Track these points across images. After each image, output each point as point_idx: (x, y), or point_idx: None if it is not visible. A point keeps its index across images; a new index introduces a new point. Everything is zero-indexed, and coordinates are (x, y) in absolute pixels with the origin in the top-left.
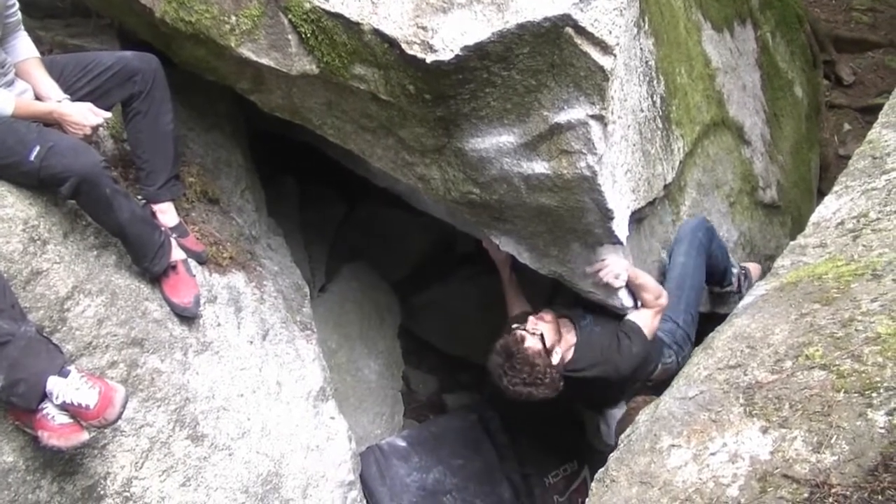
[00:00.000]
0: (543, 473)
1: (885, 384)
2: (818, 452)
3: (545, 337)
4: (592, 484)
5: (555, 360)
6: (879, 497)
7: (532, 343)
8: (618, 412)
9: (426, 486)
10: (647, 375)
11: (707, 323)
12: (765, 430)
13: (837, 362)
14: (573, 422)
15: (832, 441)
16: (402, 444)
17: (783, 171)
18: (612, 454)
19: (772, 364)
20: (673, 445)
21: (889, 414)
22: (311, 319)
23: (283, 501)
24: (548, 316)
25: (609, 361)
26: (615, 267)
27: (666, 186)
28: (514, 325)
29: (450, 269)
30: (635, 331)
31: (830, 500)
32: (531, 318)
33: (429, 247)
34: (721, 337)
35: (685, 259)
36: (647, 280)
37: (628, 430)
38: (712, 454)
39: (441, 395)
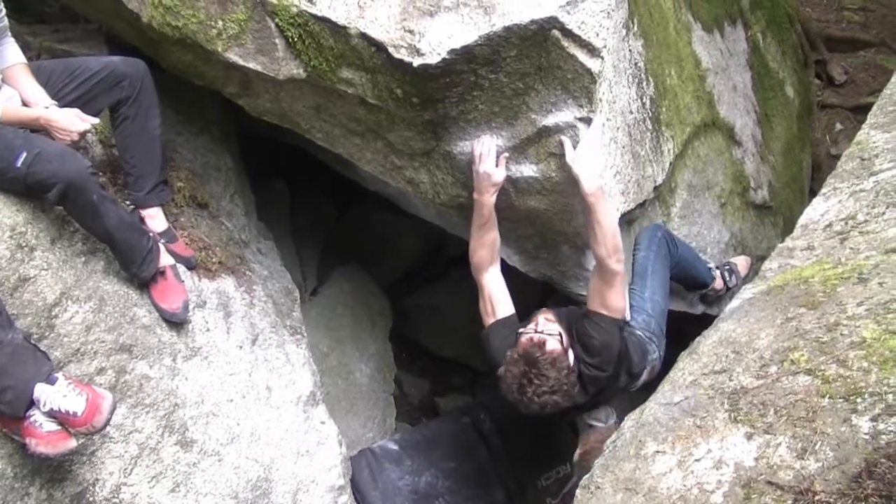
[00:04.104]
0: (536, 476)
1: (870, 389)
2: (802, 459)
3: (562, 337)
4: (577, 490)
5: (571, 361)
6: None
7: (554, 345)
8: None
9: (418, 489)
10: (634, 374)
11: (698, 325)
12: (749, 437)
13: (823, 367)
14: (565, 424)
15: (816, 447)
16: (394, 447)
17: (774, 171)
18: (596, 460)
19: (757, 369)
20: (658, 452)
21: (873, 420)
22: (301, 324)
23: None
24: (551, 314)
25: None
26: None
27: (656, 188)
28: (522, 330)
29: (441, 272)
30: (603, 319)
31: None
32: (540, 319)
33: (420, 249)
34: (707, 342)
35: (646, 253)
36: (611, 223)
37: (613, 437)
38: (697, 460)
39: (433, 397)
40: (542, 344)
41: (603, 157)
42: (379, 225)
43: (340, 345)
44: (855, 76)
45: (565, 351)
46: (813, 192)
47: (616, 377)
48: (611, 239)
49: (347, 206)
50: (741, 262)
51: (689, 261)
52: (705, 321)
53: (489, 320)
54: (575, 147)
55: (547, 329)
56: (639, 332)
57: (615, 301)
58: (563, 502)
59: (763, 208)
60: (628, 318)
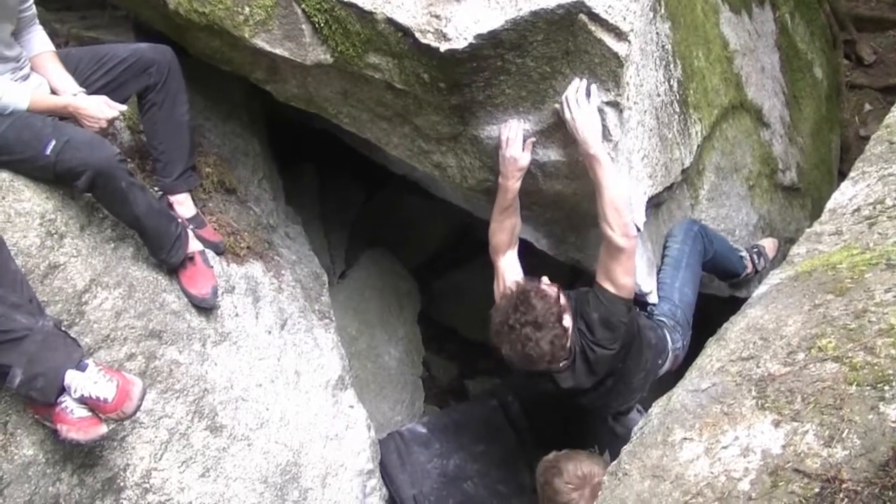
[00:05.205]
0: None
1: None
2: (830, 447)
3: (560, 294)
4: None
5: (565, 319)
6: (890, 493)
7: (550, 290)
8: (637, 418)
9: (447, 472)
10: (652, 366)
11: (726, 308)
12: (777, 424)
13: (850, 354)
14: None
15: (844, 435)
16: (423, 430)
17: (803, 153)
18: (624, 447)
19: (784, 356)
20: (685, 439)
21: None
22: (329, 308)
23: (302, 491)
24: (554, 284)
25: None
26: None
27: (684, 171)
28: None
29: (469, 254)
30: (605, 294)
31: (841, 495)
32: (543, 278)
33: (447, 232)
34: (734, 328)
35: (681, 246)
36: (613, 193)
37: (641, 423)
38: (724, 448)
39: (462, 380)
40: (538, 283)
41: (598, 121)
42: (406, 208)
43: (369, 328)
44: (884, 56)
45: (559, 303)
46: (842, 174)
47: (623, 359)
48: (610, 208)
49: (375, 189)
50: (769, 245)
51: (723, 254)
52: (733, 304)
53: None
54: (572, 109)
55: (547, 284)
56: (663, 319)
57: (619, 277)
58: None
59: (791, 190)
60: (654, 300)
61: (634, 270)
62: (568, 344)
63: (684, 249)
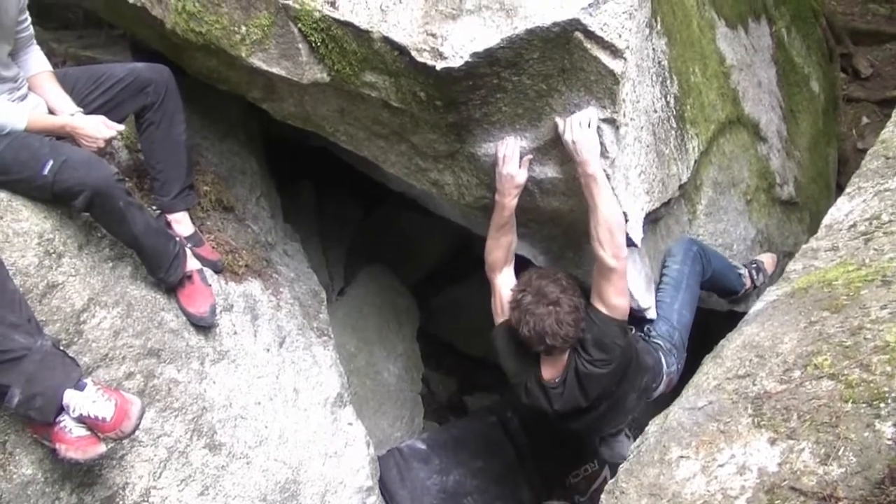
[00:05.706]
0: (564, 474)
1: (893, 394)
2: (825, 464)
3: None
4: (602, 496)
5: (581, 303)
6: None
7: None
8: (625, 442)
9: (446, 488)
10: (646, 388)
11: (724, 322)
12: (773, 442)
13: (846, 372)
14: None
15: (839, 453)
16: (422, 446)
17: (800, 166)
18: (622, 465)
19: (780, 374)
20: (682, 457)
21: None
22: (327, 325)
23: None
24: None
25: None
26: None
27: (681, 186)
28: None
29: (467, 270)
30: (598, 315)
31: None
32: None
33: (445, 249)
34: (730, 346)
35: (680, 267)
36: (607, 214)
37: (638, 441)
38: (721, 466)
39: (461, 396)
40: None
41: (597, 141)
42: (404, 225)
43: (368, 345)
44: (881, 69)
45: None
46: (840, 187)
47: (618, 382)
48: (603, 228)
49: (373, 206)
50: (767, 260)
51: (721, 273)
52: (731, 318)
53: (499, 320)
54: (569, 126)
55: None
56: (659, 341)
57: (611, 297)
58: (591, 499)
59: (789, 204)
60: (653, 316)
61: (626, 291)
62: (582, 325)
63: (684, 270)
